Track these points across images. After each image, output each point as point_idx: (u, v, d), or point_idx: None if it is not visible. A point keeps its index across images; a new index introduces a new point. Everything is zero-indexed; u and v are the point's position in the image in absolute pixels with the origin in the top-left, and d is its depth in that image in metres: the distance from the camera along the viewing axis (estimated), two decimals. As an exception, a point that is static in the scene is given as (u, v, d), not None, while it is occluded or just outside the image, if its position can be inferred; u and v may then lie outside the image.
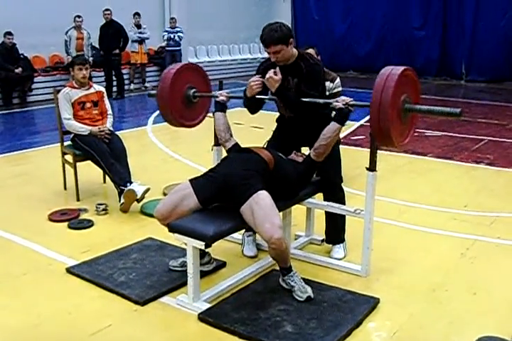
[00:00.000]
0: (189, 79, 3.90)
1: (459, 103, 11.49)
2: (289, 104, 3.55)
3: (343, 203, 3.83)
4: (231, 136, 3.71)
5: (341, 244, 3.93)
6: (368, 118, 4.62)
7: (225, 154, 3.76)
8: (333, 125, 3.37)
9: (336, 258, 3.83)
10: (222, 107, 3.78)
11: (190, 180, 3.30)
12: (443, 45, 15.17)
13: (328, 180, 3.79)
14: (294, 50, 3.52)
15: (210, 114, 3.86)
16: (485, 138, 7.82)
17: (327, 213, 3.89)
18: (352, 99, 3.34)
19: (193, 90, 3.91)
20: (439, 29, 15.12)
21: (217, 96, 3.80)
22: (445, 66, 15.26)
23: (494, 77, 14.46)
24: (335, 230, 3.94)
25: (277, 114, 3.91)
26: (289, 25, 3.57)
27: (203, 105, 4.09)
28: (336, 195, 3.84)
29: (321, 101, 3.41)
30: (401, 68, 3.04)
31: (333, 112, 3.46)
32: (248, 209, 3.06)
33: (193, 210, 3.20)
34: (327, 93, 5.09)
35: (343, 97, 3.36)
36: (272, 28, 3.39)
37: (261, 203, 3.04)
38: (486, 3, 14.20)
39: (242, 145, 3.64)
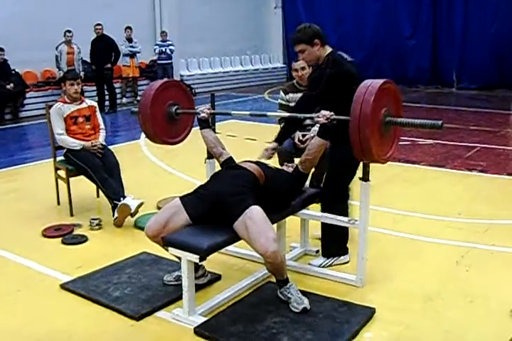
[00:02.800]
0: (171, 95, 3.84)
1: (451, 111, 11.55)
2: None
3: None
4: (223, 149, 3.72)
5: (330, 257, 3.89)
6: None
7: (218, 167, 3.75)
8: (317, 140, 3.37)
9: (313, 265, 3.83)
10: (205, 124, 3.76)
11: (181, 198, 3.30)
12: (434, 53, 15.29)
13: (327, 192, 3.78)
14: (327, 50, 3.65)
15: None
16: (477, 145, 7.85)
17: (322, 225, 3.88)
18: (332, 113, 3.30)
19: (176, 107, 3.85)
20: (430, 38, 15.25)
21: (199, 113, 3.76)
22: (436, 74, 15.36)
23: (485, 84, 14.56)
24: (330, 243, 3.90)
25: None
26: (316, 28, 3.62)
27: (186, 122, 4.02)
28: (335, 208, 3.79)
29: (302, 116, 3.41)
30: (380, 81, 2.99)
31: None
32: (242, 225, 3.05)
33: (183, 227, 3.19)
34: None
35: (323, 112, 3.30)
36: (299, 28, 3.60)
37: (254, 218, 3.04)
38: (475, 12, 14.35)
39: (236, 158, 3.64)
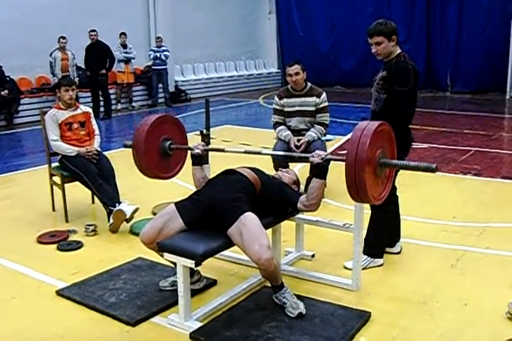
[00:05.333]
0: (165, 130, 3.78)
1: (445, 114, 11.60)
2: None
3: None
4: None
5: (365, 256, 3.87)
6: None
7: (213, 173, 3.74)
8: (316, 182, 3.28)
9: (345, 267, 3.84)
10: (198, 160, 3.68)
11: (176, 204, 3.31)
12: (428, 58, 15.34)
13: None
14: (398, 50, 3.77)
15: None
16: (471, 149, 7.88)
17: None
18: (327, 153, 3.29)
19: (169, 142, 3.79)
20: (423, 42, 15.30)
21: (193, 149, 3.69)
22: (430, 79, 15.40)
23: (479, 88, 14.64)
24: (368, 242, 3.87)
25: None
26: (395, 25, 3.76)
27: (179, 157, 3.95)
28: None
29: (296, 155, 3.45)
30: (376, 123, 2.98)
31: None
32: (236, 231, 3.06)
33: (178, 233, 3.20)
34: (314, 108, 5.16)
35: (318, 152, 3.26)
36: (379, 22, 3.73)
37: (248, 225, 3.04)
38: (468, 17, 14.44)
39: (230, 163, 3.63)
